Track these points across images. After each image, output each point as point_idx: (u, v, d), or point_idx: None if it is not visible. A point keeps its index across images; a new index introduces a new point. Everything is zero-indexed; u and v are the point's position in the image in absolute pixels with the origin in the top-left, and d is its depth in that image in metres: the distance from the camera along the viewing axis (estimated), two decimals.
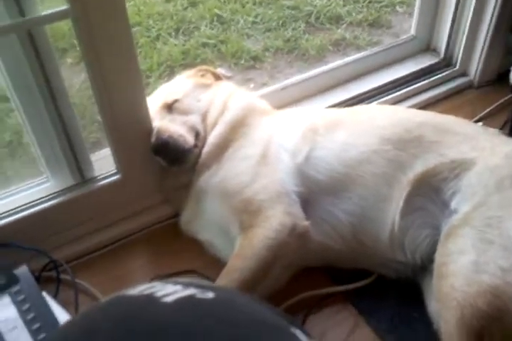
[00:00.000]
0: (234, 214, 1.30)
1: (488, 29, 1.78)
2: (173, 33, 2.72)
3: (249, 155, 1.37)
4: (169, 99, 1.44)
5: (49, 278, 1.34)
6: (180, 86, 1.51)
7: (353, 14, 2.80)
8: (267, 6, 2.90)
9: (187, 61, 2.55)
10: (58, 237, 1.41)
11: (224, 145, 1.40)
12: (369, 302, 1.31)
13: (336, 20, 2.79)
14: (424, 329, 1.22)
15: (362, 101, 1.83)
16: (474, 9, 1.77)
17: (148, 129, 1.40)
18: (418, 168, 1.28)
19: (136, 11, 2.85)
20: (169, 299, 0.58)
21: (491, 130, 1.45)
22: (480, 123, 1.76)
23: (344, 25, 2.73)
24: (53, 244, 1.39)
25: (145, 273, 1.39)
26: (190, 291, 0.60)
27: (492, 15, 1.75)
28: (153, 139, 1.37)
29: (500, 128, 1.74)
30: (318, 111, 1.50)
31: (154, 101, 1.46)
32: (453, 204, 1.24)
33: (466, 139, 1.32)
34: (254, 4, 2.90)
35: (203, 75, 1.56)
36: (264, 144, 1.37)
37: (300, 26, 2.73)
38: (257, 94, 1.74)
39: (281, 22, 2.76)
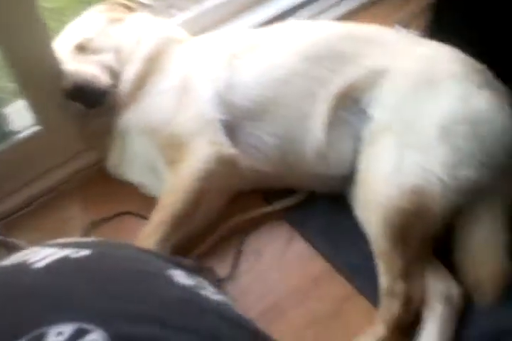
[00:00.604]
0: (160, 151, 1.29)
1: None
2: None
3: (168, 89, 1.33)
4: (80, 39, 1.37)
5: None
6: (90, 23, 1.43)
7: None
8: None
9: None
10: None
11: (141, 81, 1.36)
12: (301, 216, 1.36)
13: None
14: (352, 232, 1.26)
15: (291, 13, 1.79)
16: None
17: (61, 73, 1.32)
18: (338, 82, 1.29)
19: None
20: (41, 264, 0.61)
21: (411, 35, 1.44)
22: (404, 28, 1.75)
23: None
24: None
25: (80, 221, 1.38)
26: (64, 252, 0.63)
27: None
28: (65, 84, 1.31)
29: (423, 30, 1.71)
30: (235, 35, 1.46)
31: (65, 43, 1.38)
32: (371, 112, 1.26)
33: (383, 47, 1.32)
34: None
35: (115, 9, 1.48)
36: (182, 75, 1.34)
37: None
38: (174, 22, 1.67)
39: None
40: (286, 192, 1.38)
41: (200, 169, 1.25)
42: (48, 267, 0.60)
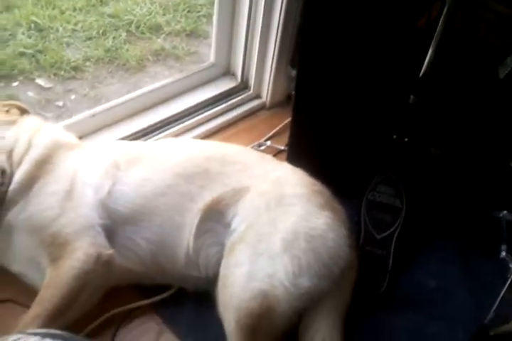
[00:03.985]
0: (43, 247, 1.43)
1: (273, 60, 2.07)
2: None
3: (55, 191, 1.49)
4: None
5: None
6: None
7: (172, 24, 2.95)
8: (87, 13, 2.91)
9: (3, 72, 2.51)
10: None
11: (30, 182, 1.50)
12: (171, 312, 1.53)
13: (156, 29, 2.92)
14: (216, 328, 1.42)
15: (170, 123, 2.05)
16: (260, 41, 2.04)
17: None
18: (206, 197, 1.52)
19: None
20: None
21: (267, 156, 1.73)
22: (268, 142, 2.08)
23: (163, 35, 2.88)
24: None
25: None
26: None
27: (274, 48, 2.04)
28: None
29: (285, 146, 2.04)
30: (120, 147, 1.67)
31: None
32: (233, 225, 1.49)
33: (244, 168, 1.58)
34: (74, 11, 2.89)
35: (7, 111, 1.63)
36: (69, 180, 1.51)
37: (121, 35, 2.81)
38: (66, 122, 1.85)
39: (101, 31, 2.81)
40: (159, 286, 1.55)
41: (78, 268, 1.39)
42: None
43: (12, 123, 1.59)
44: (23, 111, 1.66)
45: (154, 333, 1.48)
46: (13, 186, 1.50)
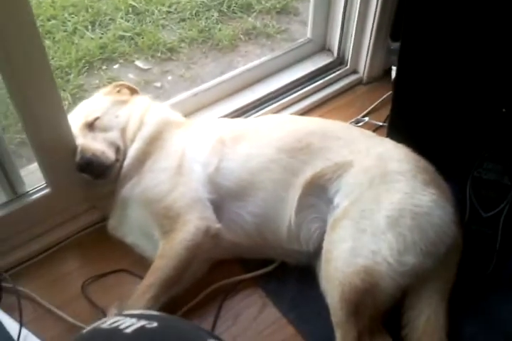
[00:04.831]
0: (155, 220, 1.51)
1: (371, 33, 2.01)
2: (90, 26, 2.77)
3: (166, 167, 1.56)
4: (90, 118, 1.59)
5: None
6: (98, 104, 1.66)
7: (263, 2, 2.95)
8: None
9: (105, 55, 2.64)
10: None
11: (143, 158, 1.59)
12: (274, 285, 1.57)
13: (247, 8, 2.94)
14: (318, 303, 1.47)
15: (267, 101, 2.06)
16: (359, 15, 1.99)
17: (72, 146, 1.55)
18: (308, 172, 1.53)
19: (50, 2, 2.88)
20: (129, 330, 0.89)
21: (367, 132, 1.71)
22: (366, 118, 2.03)
23: (254, 14, 2.89)
24: None
25: (79, 275, 1.57)
26: (141, 323, 0.91)
27: (373, 21, 1.98)
28: (77, 158, 1.53)
29: (384, 121, 2.01)
30: (224, 124, 1.72)
31: (76, 119, 1.60)
32: (336, 201, 1.50)
33: (346, 144, 1.57)
34: None
35: (119, 91, 1.72)
36: (178, 157, 1.57)
37: (213, 15, 2.86)
38: (170, 102, 1.92)
39: (194, 11, 2.87)
40: (262, 261, 1.59)
41: (189, 240, 1.46)
42: (134, 333, 0.88)
43: (124, 102, 1.68)
44: (133, 91, 1.74)
45: (258, 306, 1.53)
46: (127, 161, 1.59)
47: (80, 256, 1.65)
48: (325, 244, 1.46)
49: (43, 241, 1.63)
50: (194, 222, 1.48)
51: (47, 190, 1.60)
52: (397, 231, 1.38)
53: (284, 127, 1.64)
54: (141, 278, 1.51)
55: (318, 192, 1.52)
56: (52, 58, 2.52)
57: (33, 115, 1.42)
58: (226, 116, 1.98)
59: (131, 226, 1.59)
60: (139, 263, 1.57)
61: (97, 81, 2.51)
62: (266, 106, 2.04)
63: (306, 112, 2.08)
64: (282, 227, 1.53)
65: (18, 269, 1.58)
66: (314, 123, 1.69)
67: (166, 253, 1.47)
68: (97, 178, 1.57)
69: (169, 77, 2.57)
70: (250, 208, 1.53)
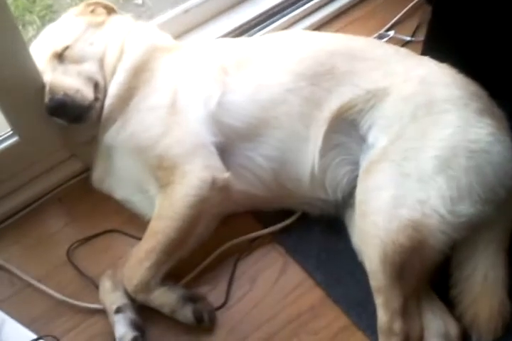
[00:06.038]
0: (149, 171, 1.23)
1: None
2: None
3: (156, 105, 1.26)
4: (58, 47, 1.26)
5: None
6: (68, 28, 1.32)
7: None
8: None
9: None
10: None
11: (127, 95, 1.28)
12: (295, 241, 1.33)
13: None
14: (350, 261, 1.25)
15: (273, 15, 1.74)
16: None
17: (39, 83, 1.24)
18: (333, 102, 1.24)
19: None
20: None
21: (403, 50, 1.38)
22: (391, 33, 1.71)
23: None
24: None
25: (62, 238, 1.33)
26: None
27: None
28: (46, 99, 1.22)
29: (412, 35, 1.71)
30: (225, 46, 1.37)
31: (41, 50, 1.28)
32: (370, 139, 1.22)
33: (378, 65, 1.27)
34: None
35: (92, 11, 1.37)
36: (171, 90, 1.26)
37: None
38: (156, 22, 1.57)
39: None
40: (279, 212, 1.33)
41: (193, 195, 1.19)
42: None
43: (100, 25, 1.34)
44: (110, 11, 1.39)
45: (279, 265, 1.30)
46: (108, 101, 1.28)
47: (62, 215, 1.40)
48: (358, 193, 1.19)
49: (16, 198, 1.38)
50: (196, 173, 1.20)
51: (14, 139, 1.32)
52: (449, 174, 1.11)
53: (300, 47, 1.32)
54: (136, 238, 1.28)
55: (347, 129, 1.24)
56: None
57: None
58: (225, 36, 1.65)
59: (119, 178, 1.32)
60: (131, 221, 1.33)
61: (68, 0, 2.13)
62: (271, 23, 1.73)
63: (318, 28, 1.75)
64: (304, 172, 1.26)
65: None
66: (337, 41, 1.36)
67: (165, 212, 1.20)
68: (72, 122, 1.27)
69: None
70: (264, 150, 1.25)
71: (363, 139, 1.23)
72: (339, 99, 1.24)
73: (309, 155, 1.25)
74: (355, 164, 1.24)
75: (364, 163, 1.21)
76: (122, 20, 1.39)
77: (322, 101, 1.24)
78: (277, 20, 1.72)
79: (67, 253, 1.30)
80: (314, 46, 1.32)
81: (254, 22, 1.71)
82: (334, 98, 1.24)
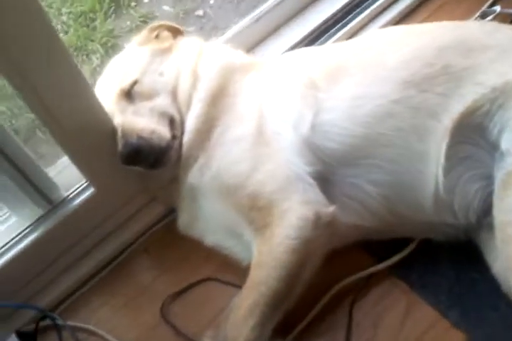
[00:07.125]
0: (241, 213, 1.07)
1: None
2: None
3: (241, 136, 1.09)
4: (125, 83, 1.14)
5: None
6: (133, 61, 1.19)
7: None
8: None
9: None
10: (38, 281, 1.19)
11: (207, 127, 1.12)
12: (419, 274, 1.13)
13: None
14: (490, 293, 1.05)
15: (348, 13, 1.55)
16: None
17: (109, 127, 1.11)
18: (453, 108, 1.03)
19: None
20: None
21: None
22: (497, 8, 1.45)
23: None
24: (35, 287, 1.19)
25: (154, 294, 1.19)
26: None
27: None
28: (119, 146, 1.09)
29: None
30: (310, 57, 1.19)
31: (107, 89, 1.16)
32: (503, 144, 1.01)
33: (501, 53, 1.05)
34: None
35: (157, 36, 1.23)
36: (256, 117, 1.10)
37: None
38: (225, 37, 1.42)
39: None
40: (393, 241, 1.14)
41: (294, 238, 1.01)
42: None
43: (166, 51, 1.20)
44: (176, 32, 1.25)
45: (403, 305, 1.10)
46: (187, 137, 1.13)
47: (150, 267, 1.26)
48: (498, 213, 0.98)
49: (99, 254, 1.25)
50: (296, 211, 1.02)
51: (90, 191, 1.19)
52: None
53: (399, 47, 1.11)
54: (234, 285, 1.13)
55: (473, 136, 1.03)
56: (72, 4, 2.17)
57: (44, 97, 0.99)
58: (302, 41, 1.47)
59: (208, 222, 1.17)
60: (225, 267, 1.18)
61: (128, 22, 2.12)
62: (348, 22, 1.52)
63: (401, 20, 1.53)
64: (425, 195, 1.05)
65: (69, 302, 1.21)
66: (441, 30, 1.14)
67: (265, 259, 1.03)
68: (152, 168, 1.13)
69: (211, 1, 2.08)
70: (372, 175, 1.06)
71: (494, 146, 1.02)
72: (460, 104, 1.03)
73: (430, 175, 1.05)
74: (489, 178, 1.03)
75: (500, 175, 1.00)
76: (190, 42, 1.25)
77: (439, 110, 1.04)
78: (352, 19, 1.52)
79: (161, 311, 1.16)
80: (416, 44, 1.11)
81: (327, 24, 1.52)
82: (454, 103, 1.03)
